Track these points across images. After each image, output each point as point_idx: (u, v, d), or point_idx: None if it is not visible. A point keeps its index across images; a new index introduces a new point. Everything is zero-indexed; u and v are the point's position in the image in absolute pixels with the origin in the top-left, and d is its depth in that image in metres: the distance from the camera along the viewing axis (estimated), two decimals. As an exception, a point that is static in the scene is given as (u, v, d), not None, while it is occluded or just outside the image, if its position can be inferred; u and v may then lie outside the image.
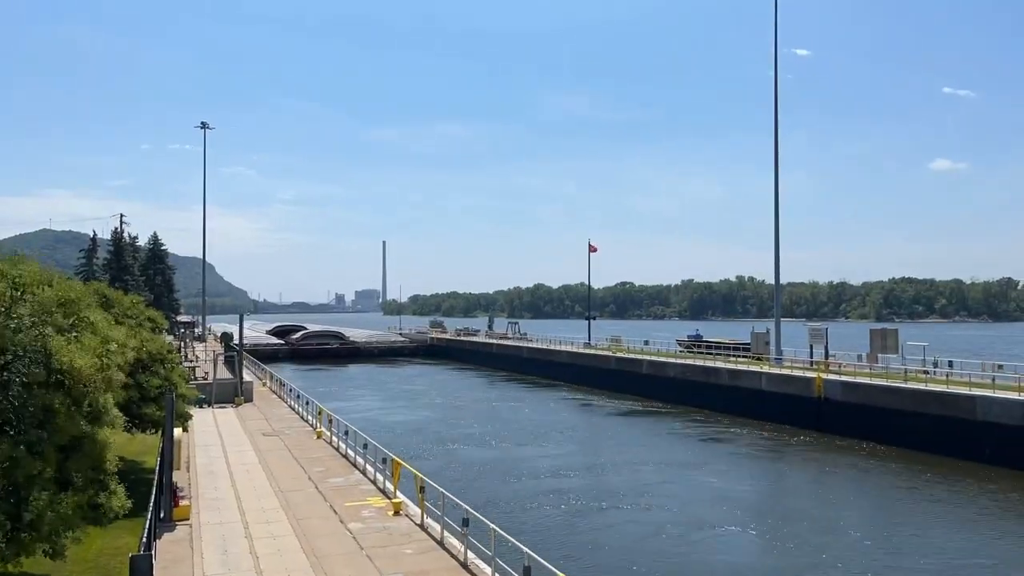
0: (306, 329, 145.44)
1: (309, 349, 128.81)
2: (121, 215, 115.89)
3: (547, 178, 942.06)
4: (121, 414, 17.08)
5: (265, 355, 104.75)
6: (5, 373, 13.07)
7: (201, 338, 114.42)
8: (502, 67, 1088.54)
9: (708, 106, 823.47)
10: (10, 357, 13.09)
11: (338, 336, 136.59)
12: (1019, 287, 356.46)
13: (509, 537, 17.69)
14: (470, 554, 19.32)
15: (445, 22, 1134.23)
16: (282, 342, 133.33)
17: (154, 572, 14.20)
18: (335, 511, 24.28)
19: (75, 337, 14.78)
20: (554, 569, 15.44)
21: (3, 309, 13.39)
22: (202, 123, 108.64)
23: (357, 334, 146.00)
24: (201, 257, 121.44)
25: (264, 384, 62.70)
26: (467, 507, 19.78)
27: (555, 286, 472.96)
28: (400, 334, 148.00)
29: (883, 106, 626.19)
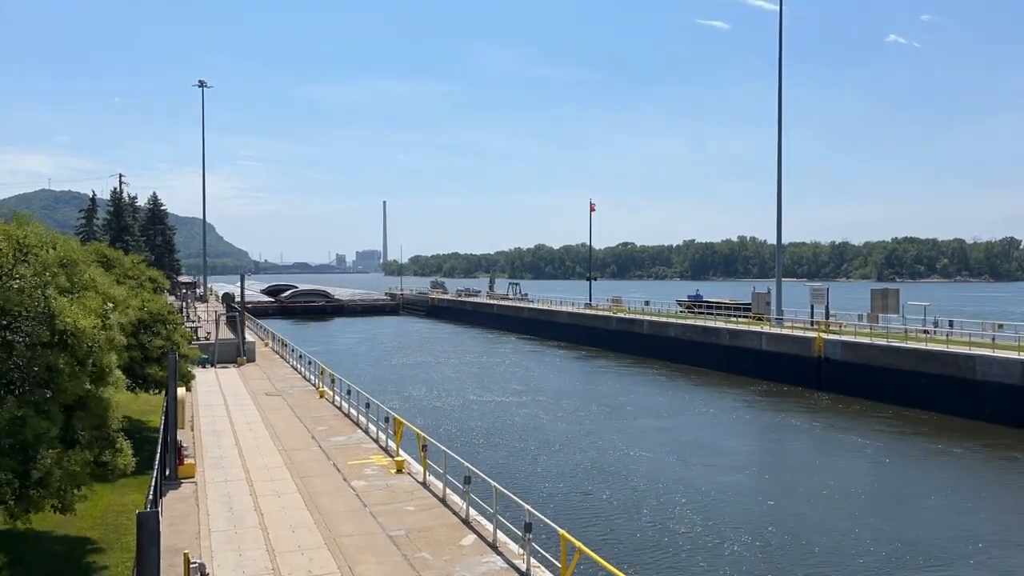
0: (296, 288, 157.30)
1: (296, 306, 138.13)
2: (120, 175, 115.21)
3: (507, 138, 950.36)
4: (123, 375, 17.13)
5: (255, 312, 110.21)
6: (8, 333, 13.08)
7: (203, 298, 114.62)
8: (421, 20, 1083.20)
9: (647, 60, 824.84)
10: (11, 318, 13.08)
11: (324, 294, 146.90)
12: (1021, 247, 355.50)
13: (510, 494, 17.86)
14: (472, 511, 19.54)
15: None
16: (273, 300, 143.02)
17: (160, 528, 14.37)
18: (338, 469, 24.51)
19: (77, 297, 14.77)
20: (555, 525, 15.62)
21: (7, 269, 13.35)
22: (200, 82, 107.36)
23: (342, 293, 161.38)
24: (201, 217, 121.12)
25: (266, 344, 62.94)
26: (469, 465, 19.95)
27: (556, 247, 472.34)
28: (387, 293, 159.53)
29: (836, 58, 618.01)
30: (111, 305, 15.98)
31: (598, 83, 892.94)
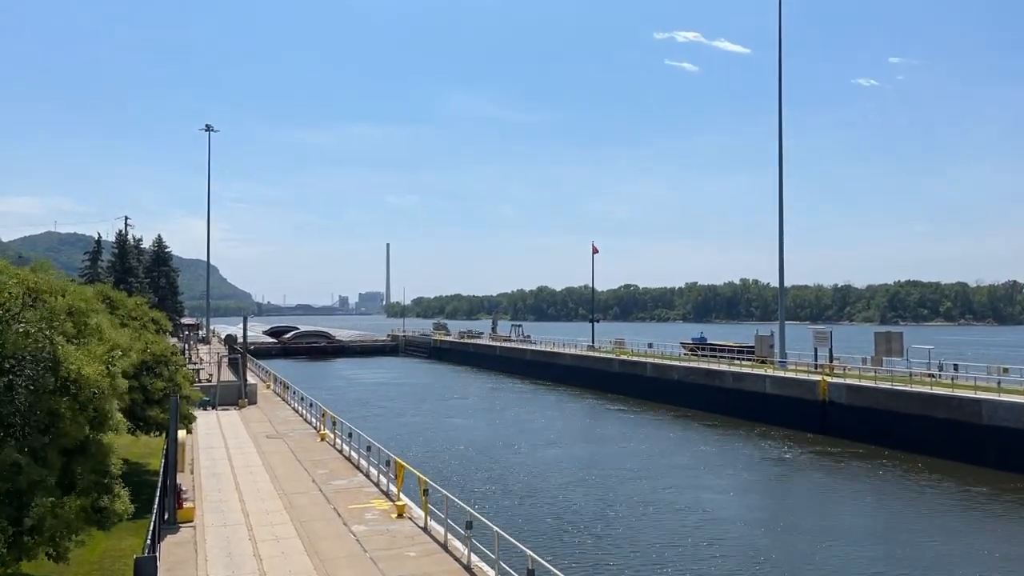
0: (297, 329, 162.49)
1: (299, 347, 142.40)
2: (126, 217, 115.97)
3: (489, 180, 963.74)
4: (124, 419, 17.07)
5: (259, 353, 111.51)
6: (10, 376, 13.07)
7: (205, 340, 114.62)
8: (387, 66, 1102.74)
9: (619, 102, 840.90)
10: (14, 362, 13.09)
11: (325, 335, 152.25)
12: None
13: (513, 540, 17.65)
14: (473, 557, 19.28)
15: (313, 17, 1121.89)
16: (275, 341, 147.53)
17: (158, 574, 14.19)
18: (339, 513, 24.26)
19: (83, 343, 14.80)
20: (558, 572, 15.40)
21: (15, 313, 13.40)
22: (206, 126, 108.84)
23: (343, 334, 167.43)
24: (204, 259, 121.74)
25: (268, 386, 62.74)
26: (470, 510, 19.75)
27: (558, 288, 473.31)
28: (389, 335, 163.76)
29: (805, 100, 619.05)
30: (118, 352, 16.00)
31: (574, 127, 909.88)
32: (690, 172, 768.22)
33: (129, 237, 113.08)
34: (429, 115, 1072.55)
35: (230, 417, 46.30)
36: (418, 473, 24.46)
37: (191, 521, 23.23)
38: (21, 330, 13.10)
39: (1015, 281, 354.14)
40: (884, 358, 56.93)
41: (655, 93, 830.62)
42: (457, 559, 19.61)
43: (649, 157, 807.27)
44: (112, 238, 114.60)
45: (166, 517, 22.47)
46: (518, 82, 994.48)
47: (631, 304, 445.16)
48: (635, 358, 78.42)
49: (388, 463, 27.35)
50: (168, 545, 20.86)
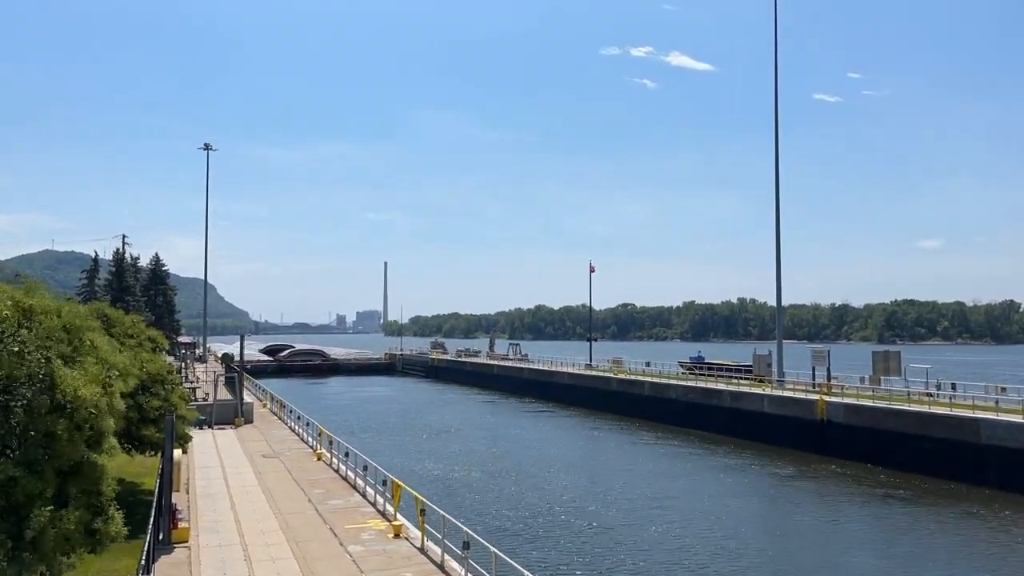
0: (293, 347, 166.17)
1: (294, 365, 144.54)
2: (123, 236, 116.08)
3: (466, 200, 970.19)
4: (117, 443, 16.94)
5: (254, 371, 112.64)
6: (5, 397, 13.00)
7: (202, 359, 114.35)
8: (357, 85, 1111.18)
9: (585, 121, 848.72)
10: (9, 383, 13.02)
11: (321, 354, 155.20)
12: (1021, 310, 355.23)
13: (510, 561, 17.53)
14: (471, 578, 19.15)
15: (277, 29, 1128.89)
16: (271, 359, 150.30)
17: (152, 596, 14.06)
18: (335, 534, 24.10)
19: (79, 363, 14.73)
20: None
21: (10, 334, 13.35)
22: (205, 145, 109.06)
23: (338, 352, 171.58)
24: (201, 278, 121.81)
25: (264, 405, 62.50)
26: (468, 530, 19.64)
27: (556, 307, 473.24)
28: (386, 355, 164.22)
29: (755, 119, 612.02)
30: (116, 373, 15.92)
31: (543, 146, 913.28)
32: (668, 190, 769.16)
33: (126, 256, 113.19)
34: (399, 134, 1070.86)
35: (226, 436, 46.08)
36: (415, 492, 24.33)
37: (186, 542, 23.07)
38: (16, 351, 13.04)
39: (1012, 300, 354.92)
40: (882, 377, 56.92)
41: (620, 110, 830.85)
42: (454, 580, 19.47)
43: (625, 174, 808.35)
44: (109, 256, 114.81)
45: (161, 537, 22.31)
46: (482, 101, 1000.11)
47: (628, 323, 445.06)
48: (633, 377, 78.32)
49: (385, 482, 27.24)
50: (162, 566, 20.69)
